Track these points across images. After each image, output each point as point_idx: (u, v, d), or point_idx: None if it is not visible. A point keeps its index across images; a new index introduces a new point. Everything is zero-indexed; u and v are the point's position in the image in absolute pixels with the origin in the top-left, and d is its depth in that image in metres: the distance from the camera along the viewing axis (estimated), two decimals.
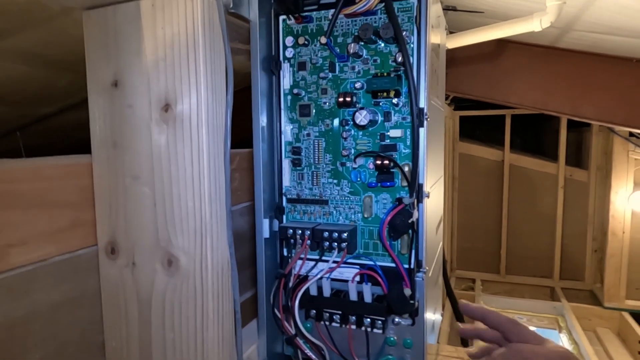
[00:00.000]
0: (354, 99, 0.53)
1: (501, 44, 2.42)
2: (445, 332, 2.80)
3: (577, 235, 3.30)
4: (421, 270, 0.53)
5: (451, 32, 2.13)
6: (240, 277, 0.68)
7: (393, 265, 0.54)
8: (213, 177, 0.48)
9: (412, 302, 0.52)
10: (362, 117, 0.51)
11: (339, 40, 0.54)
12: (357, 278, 0.55)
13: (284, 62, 0.56)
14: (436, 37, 0.59)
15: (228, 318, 0.51)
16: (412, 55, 0.50)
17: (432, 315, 0.65)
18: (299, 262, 0.57)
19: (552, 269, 3.37)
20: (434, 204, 0.61)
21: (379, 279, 0.53)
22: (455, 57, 2.49)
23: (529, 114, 3.06)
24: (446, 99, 2.86)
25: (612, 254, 2.94)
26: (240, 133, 0.59)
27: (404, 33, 0.49)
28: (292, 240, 0.56)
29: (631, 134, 2.79)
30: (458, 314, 2.56)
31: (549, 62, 2.39)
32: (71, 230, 0.49)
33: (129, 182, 0.50)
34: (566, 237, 3.33)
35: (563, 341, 2.91)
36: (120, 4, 0.46)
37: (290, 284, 0.57)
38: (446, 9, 2.13)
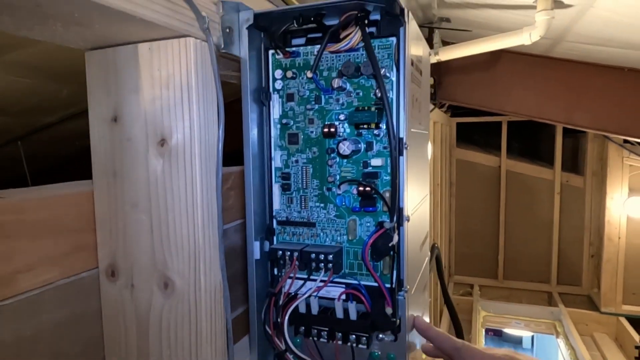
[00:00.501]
0: (338, 129, 0.56)
1: (495, 54, 2.46)
2: None
3: (574, 240, 3.34)
4: (402, 289, 0.57)
5: (445, 44, 2.17)
6: (233, 292, 0.71)
7: (376, 284, 0.57)
8: (206, 205, 0.52)
9: (393, 319, 0.56)
10: (345, 147, 0.54)
11: (325, 74, 0.57)
12: (343, 297, 0.58)
13: (273, 93, 0.60)
14: (418, 49, 0.63)
15: (221, 336, 0.55)
16: (392, 89, 0.54)
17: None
18: (289, 281, 0.60)
19: (549, 274, 3.40)
20: (416, 224, 0.65)
21: (363, 298, 0.57)
22: (451, 66, 2.53)
23: (526, 120, 3.10)
24: (442, 106, 2.89)
25: (608, 259, 2.97)
26: (236, 144, 0.62)
27: (382, 70, 0.53)
28: (281, 261, 0.59)
29: (625, 141, 2.83)
30: (456, 322, 2.59)
31: (543, 71, 2.43)
32: (74, 254, 0.53)
33: (128, 209, 0.53)
34: (563, 243, 3.36)
35: (561, 346, 2.94)
36: (120, 46, 0.50)
37: (280, 302, 0.60)
38: (440, 20, 2.17)
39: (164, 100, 0.49)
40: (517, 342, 4.57)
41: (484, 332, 3.18)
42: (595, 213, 3.18)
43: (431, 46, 2.14)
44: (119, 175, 0.53)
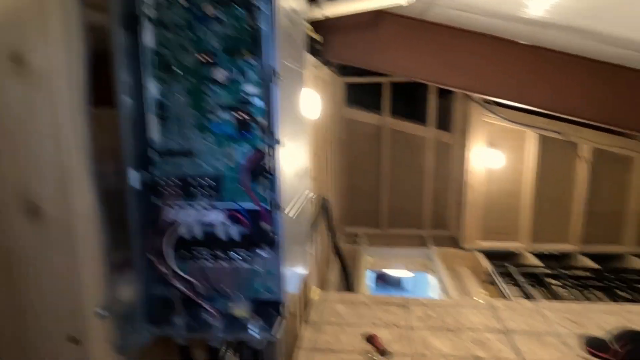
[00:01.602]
0: (214, 58, 0.58)
1: (379, 15, 2.58)
2: (334, 283, 3.07)
3: (444, 190, 3.79)
4: (279, 209, 0.62)
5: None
6: (118, 233, 0.70)
7: (255, 206, 0.62)
8: (71, 128, 0.50)
9: (270, 235, 0.61)
10: (220, 75, 0.56)
11: (199, 2, 0.58)
12: (224, 219, 0.62)
13: (145, 20, 0.59)
14: (289, 2, 0.66)
15: (98, 261, 0.55)
16: (265, 21, 0.57)
17: (299, 250, 0.76)
18: (171, 209, 0.62)
19: (423, 220, 3.83)
20: (292, 153, 0.70)
21: (242, 218, 0.61)
22: (338, 26, 2.61)
23: (408, 82, 3.36)
24: (330, 65, 2.99)
25: (469, 204, 3.45)
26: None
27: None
28: (162, 190, 0.61)
29: (485, 101, 3.24)
30: (345, 268, 2.81)
31: (420, 34, 2.62)
32: None
33: None
34: (435, 193, 3.79)
35: (431, 280, 3.38)
36: None
37: (163, 229, 0.62)
38: None
39: (16, 14, 0.46)
40: (400, 283, 5.09)
41: (367, 275, 3.52)
42: (460, 165, 3.63)
43: (317, 1, 2.18)
44: None
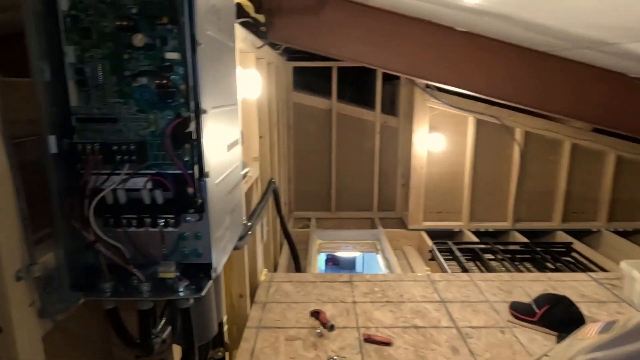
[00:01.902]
0: (133, 23, 0.59)
1: None
2: (283, 265, 3.11)
3: (391, 173, 3.91)
4: (204, 174, 0.64)
5: None
6: (40, 197, 0.69)
7: (180, 172, 0.64)
8: None
9: (195, 199, 0.63)
10: (138, 40, 0.57)
11: None
12: (149, 185, 0.63)
13: None
14: None
15: (14, 228, 0.55)
16: None
17: (228, 219, 0.78)
18: (94, 176, 0.62)
19: (372, 202, 3.95)
20: (219, 123, 0.72)
21: (167, 183, 0.63)
22: (282, 7, 2.61)
23: (356, 67, 3.41)
24: (277, 48, 2.99)
25: (414, 186, 3.59)
26: None
27: None
28: (83, 156, 0.61)
29: (427, 86, 3.36)
30: (294, 252, 2.85)
31: (363, 19, 2.68)
32: None
33: None
34: (382, 176, 3.91)
35: (379, 260, 3.51)
36: None
37: (87, 196, 0.62)
38: None
39: None
40: (351, 265, 5.21)
41: (318, 258, 3.59)
42: (406, 149, 3.76)
43: None
44: None
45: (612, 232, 3.48)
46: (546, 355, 0.50)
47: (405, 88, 3.64)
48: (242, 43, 1.77)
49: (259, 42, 2.06)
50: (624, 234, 3.44)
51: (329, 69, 3.65)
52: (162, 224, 0.65)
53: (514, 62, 2.58)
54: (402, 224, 3.85)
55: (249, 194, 2.12)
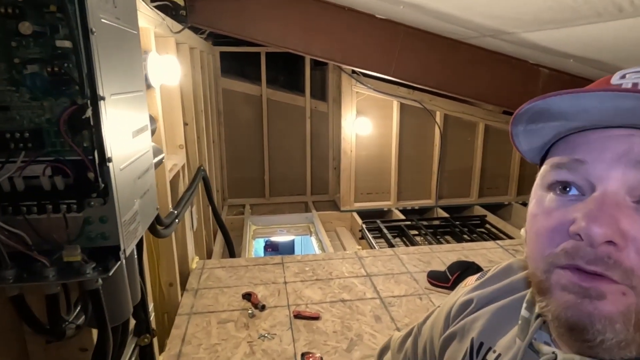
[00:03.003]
0: (18, 10, 0.59)
1: None
2: (218, 253, 3.11)
3: (323, 157, 4.02)
4: (105, 160, 0.66)
5: None
6: None
7: (80, 158, 0.65)
8: None
9: (96, 184, 0.65)
10: (25, 28, 0.58)
11: None
12: (47, 171, 0.64)
13: None
14: None
15: None
16: None
17: (137, 203, 0.80)
18: None
19: (305, 187, 4.04)
20: (122, 109, 0.74)
21: (67, 170, 0.64)
22: None
23: (285, 52, 3.43)
24: (202, 33, 2.93)
25: (344, 169, 3.72)
26: None
27: None
28: None
29: (353, 72, 3.48)
30: (228, 239, 2.87)
31: (287, 4, 2.70)
32: None
33: None
34: (314, 160, 4.00)
35: (313, 242, 3.61)
36: None
37: None
38: None
39: None
40: (290, 250, 5.29)
41: (254, 243, 3.63)
42: (336, 133, 3.88)
43: None
44: None
45: (521, 204, 3.86)
46: (438, 306, 0.60)
47: (334, 74, 3.73)
48: (158, 28, 1.74)
49: (178, 27, 2.03)
50: None
51: (258, 54, 3.64)
52: (65, 209, 0.66)
53: (430, 48, 2.75)
54: (335, 206, 3.98)
55: (174, 182, 2.10)
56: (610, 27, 1.67)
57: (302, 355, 1.61)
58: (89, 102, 0.62)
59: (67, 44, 0.61)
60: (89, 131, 0.64)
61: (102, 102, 0.64)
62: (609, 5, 1.47)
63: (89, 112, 0.62)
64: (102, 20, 0.66)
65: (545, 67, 2.80)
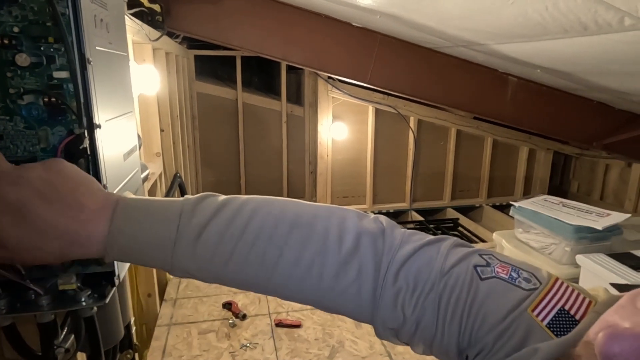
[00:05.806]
0: (15, 41, 0.58)
1: None
2: None
3: (298, 160, 4.03)
4: (103, 187, 0.66)
5: None
6: None
7: None
8: None
9: None
10: (22, 60, 0.57)
11: None
12: None
13: None
14: None
15: None
16: (67, 6, 0.59)
17: None
18: None
19: (281, 191, 4.04)
20: (116, 135, 0.74)
21: None
22: None
23: (261, 57, 3.42)
24: (176, 37, 2.90)
25: (320, 173, 3.75)
26: None
27: None
28: None
29: (329, 77, 3.51)
30: None
31: (265, 11, 2.71)
32: None
33: None
34: (291, 164, 4.01)
35: None
36: None
37: None
38: None
39: None
40: None
41: None
42: (312, 137, 3.90)
43: None
44: None
45: (491, 206, 4.00)
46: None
47: (310, 78, 3.75)
48: (135, 36, 1.71)
49: (156, 34, 2.00)
50: (500, 208, 3.97)
51: (234, 57, 3.62)
52: None
53: (405, 57, 2.81)
54: None
55: (152, 191, 2.07)
56: (576, 42, 1.76)
57: None
58: (85, 131, 0.62)
59: (64, 74, 0.60)
60: (85, 160, 0.64)
61: (98, 130, 0.64)
62: (576, 24, 1.56)
63: (86, 142, 0.62)
64: (97, 47, 0.66)
65: (513, 75, 2.92)
